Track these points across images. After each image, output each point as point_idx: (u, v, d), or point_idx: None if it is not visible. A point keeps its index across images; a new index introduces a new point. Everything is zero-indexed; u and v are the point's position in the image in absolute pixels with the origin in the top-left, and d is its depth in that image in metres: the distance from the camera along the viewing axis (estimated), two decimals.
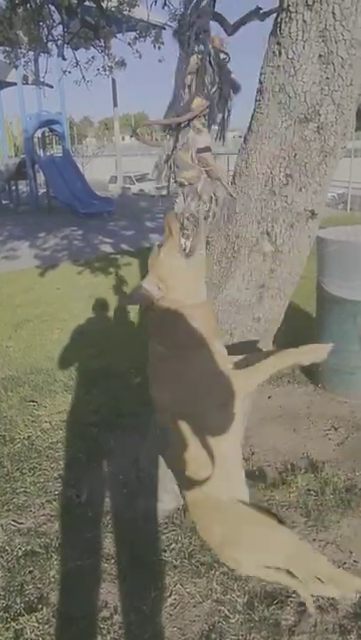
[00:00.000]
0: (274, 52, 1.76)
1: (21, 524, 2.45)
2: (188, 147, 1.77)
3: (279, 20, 1.74)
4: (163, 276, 1.54)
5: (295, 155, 1.80)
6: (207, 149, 1.79)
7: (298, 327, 4.19)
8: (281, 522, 1.65)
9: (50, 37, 7.32)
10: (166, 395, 1.65)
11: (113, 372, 4.00)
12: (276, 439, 3.04)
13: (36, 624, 1.91)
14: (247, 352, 1.73)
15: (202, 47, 1.74)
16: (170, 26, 7.31)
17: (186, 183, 1.73)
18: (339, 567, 2.13)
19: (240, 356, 1.68)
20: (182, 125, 1.75)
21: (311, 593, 1.57)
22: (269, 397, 3.60)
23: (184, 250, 1.54)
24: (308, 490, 2.58)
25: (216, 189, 1.79)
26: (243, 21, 1.91)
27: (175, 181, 1.81)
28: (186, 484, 1.67)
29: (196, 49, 1.72)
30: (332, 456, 2.89)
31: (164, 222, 1.56)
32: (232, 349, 1.74)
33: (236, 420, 1.58)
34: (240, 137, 1.92)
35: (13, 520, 2.47)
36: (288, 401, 3.57)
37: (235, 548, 1.58)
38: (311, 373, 3.78)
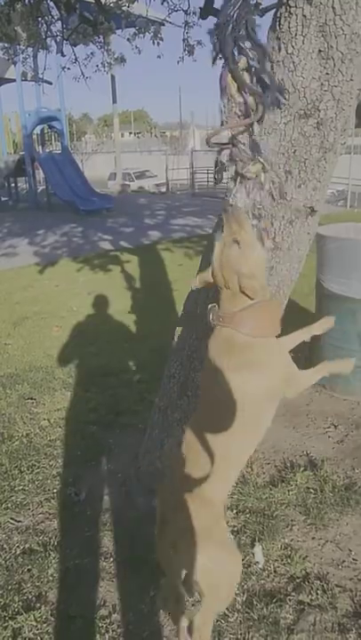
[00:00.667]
0: (273, 48, 1.74)
1: (20, 522, 2.45)
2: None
3: (278, 14, 1.72)
4: (257, 274, 1.47)
5: (295, 151, 1.79)
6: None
7: (297, 324, 4.17)
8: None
9: (48, 33, 7.30)
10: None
11: (112, 370, 3.99)
12: (276, 437, 3.03)
13: (34, 623, 1.90)
14: None
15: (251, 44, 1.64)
16: (169, 22, 7.30)
17: (254, 177, 1.64)
18: (338, 566, 2.13)
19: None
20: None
21: None
22: None
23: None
24: (308, 488, 2.57)
25: (273, 179, 1.73)
26: None
27: (238, 175, 1.71)
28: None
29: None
30: (331, 454, 2.88)
31: (228, 217, 1.48)
32: None
33: None
34: None
35: (12, 518, 2.47)
36: (288, 398, 3.55)
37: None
38: None
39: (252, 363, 1.52)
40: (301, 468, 2.71)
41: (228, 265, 1.47)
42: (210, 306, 1.55)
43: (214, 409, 1.57)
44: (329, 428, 3.17)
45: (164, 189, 21.56)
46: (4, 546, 2.29)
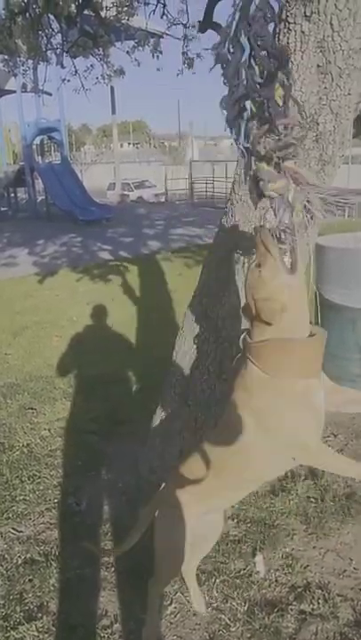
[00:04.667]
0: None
1: (21, 532, 2.44)
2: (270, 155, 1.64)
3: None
4: (275, 298, 1.36)
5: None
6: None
7: None
8: None
9: (49, 46, 7.37)
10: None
11: (112, 380, 4.00)
12: None
13: (35, 633, 1.90)
14: None
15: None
16: (169, 34, 7.38)
17: (275, 195, 1.58)
18: (339, 575, 2.13)
19: None
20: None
21: None
22: None
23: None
24: (308, 497, 2.58)
25: (309, 197, 1.65)
26: None
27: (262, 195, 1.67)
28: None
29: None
30: None
31: (257, 238, 1.39)
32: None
33: None
34: None
35: (13, 528, 2.46)
36: None
37: None
38: None
39: (258, 406, 1.42)
40: (302, 477, 2.72)
41: (248, 290, 1.39)
42: (243, 334, 1.47)
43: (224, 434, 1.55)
44: (329, 437, 3.17)
45: (163, 199, 21.67)
46: (6, 556, 2.29)
